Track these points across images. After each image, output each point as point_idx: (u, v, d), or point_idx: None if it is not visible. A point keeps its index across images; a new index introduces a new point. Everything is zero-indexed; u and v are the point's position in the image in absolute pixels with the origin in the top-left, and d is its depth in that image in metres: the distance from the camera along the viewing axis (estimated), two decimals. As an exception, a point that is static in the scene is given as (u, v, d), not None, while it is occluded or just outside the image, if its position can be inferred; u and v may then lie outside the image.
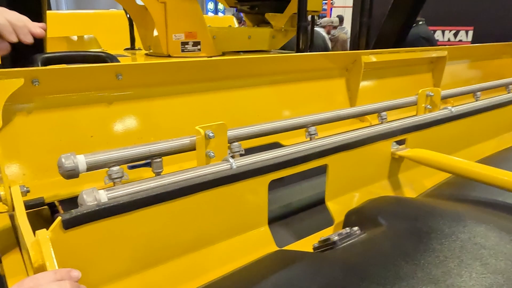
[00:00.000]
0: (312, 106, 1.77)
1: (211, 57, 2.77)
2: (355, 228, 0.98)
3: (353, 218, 1.13)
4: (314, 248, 1.00)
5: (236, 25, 5.00)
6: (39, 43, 1.47)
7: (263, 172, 1.03)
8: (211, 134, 1.09)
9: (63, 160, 0.90)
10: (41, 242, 0.70)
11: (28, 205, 0.98)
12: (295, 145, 1.19)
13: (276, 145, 1.55)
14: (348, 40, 6.96)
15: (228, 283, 0.85)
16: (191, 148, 1.11)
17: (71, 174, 0.91)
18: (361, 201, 1.24)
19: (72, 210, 0.75)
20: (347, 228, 0.97)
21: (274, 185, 1.09)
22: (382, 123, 1.63)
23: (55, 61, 1.25)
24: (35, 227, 0.84)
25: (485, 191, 1.18)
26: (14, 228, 1.09)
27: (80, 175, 0.90)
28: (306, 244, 1.07)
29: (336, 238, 0.94)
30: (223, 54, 2.78)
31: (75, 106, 1.13)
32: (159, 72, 1.23)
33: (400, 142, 1.43)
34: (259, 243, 1.06)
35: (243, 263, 0.99)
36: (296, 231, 1.23)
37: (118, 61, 1.29)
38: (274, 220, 1.29)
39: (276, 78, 1.65)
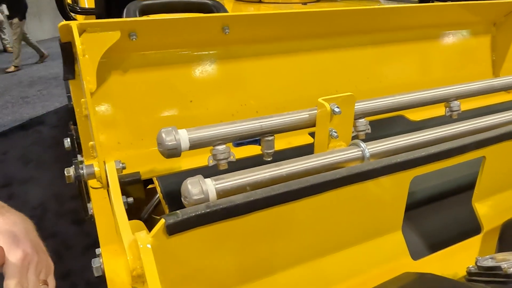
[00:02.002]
0: (443, 71, 1.43)
1: (306, 3, 2.44)
2: (536, 256, 0.71)
3: (518, 232, 0.85)
4: (470, 274, 0.76)
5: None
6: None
7: (405, 167, 0.78)
8: (337, 109, 0.86)
9: (163, 135, 0.74)
10: (141, 251, 0.55)
11: (123, 182, 0.86)
12: (441, 129, 0.91)
13: (401, 119, 1.28)
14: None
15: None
16: (310, 124, 0.89)
17: (173, 153, 0.75)
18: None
19: (178, 212, 0.59)
20: (526, 257, 0.70)
21: None
22: (542, 98, 1.26)
23: (154, 10, 1.07)
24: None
25: None
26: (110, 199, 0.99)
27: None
28: (451, 260, 0.84)
29: (511, 270, 0.68)
30: (318, -1, 2.45)
31: (174, 65, 0.96)
32: (275, 25, 1.00)
33: None
34: (391, 252, 0.84)
35: (371, 276, 0.80)
36: (430, 234, 0.99)
37: (226, 11, 1.08)
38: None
39: (398, 35, 1.32)
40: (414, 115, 1.26)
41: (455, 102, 1.08)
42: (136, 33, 0.84)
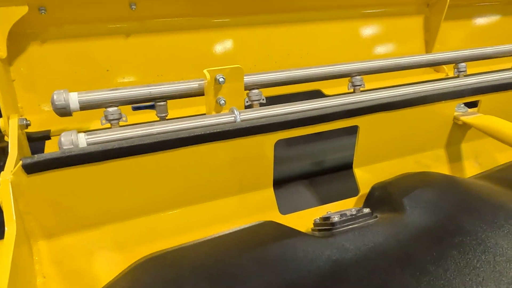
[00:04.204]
0: (375, 50, 1.50)
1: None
2: (366, 210, 0.82)
3: (376, 193, 0.95)
4: (314, 224, 0.87)
5: None
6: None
7: (269, 130, 0.88)
8: (221, 79, 0.96)
9: (54, 97, 0.86)
10: (1, 182, 0.68)
11: (33, 137, 1.00)
12: (317, 100, 1.00)
13: (316, 94, 1.37)
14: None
15: (204, 247, 0.78)
16: (200, 93, 1.00)
17: (63, 112, 0.88)
18: (401, 172, 1.03)
19: (35, 155, 0.71)
20: (353, 209, 0.81)
21: (297, 140, 0.95)
22: (458, 76, 1.32)
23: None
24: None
25: None
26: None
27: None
28: (312, 215, 0.94)
29: (336, 219, 0.79)
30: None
31: (89, 37, 1.07)
32: (181, 2, 1.09)
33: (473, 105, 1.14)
34: (261, 205, 0.95)
35: (241, 223, 0.91)
36: (311, 197, 1.10)
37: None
38: (291, 180, 1.17)
39: (330, 13, 1.39)
40: (330, 90, 1.35)
41: (357, 77, 1.16)
42: (45, 7, 0.96)
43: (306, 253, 0.70)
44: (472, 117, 1.09)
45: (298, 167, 1.19)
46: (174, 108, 1.08)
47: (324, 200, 1.07)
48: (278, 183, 1.03)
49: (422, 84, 1.10)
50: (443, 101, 1.04)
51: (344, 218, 0.79)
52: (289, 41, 1.35)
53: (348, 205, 1.02)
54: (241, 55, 1.28)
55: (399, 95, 1.01)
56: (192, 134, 0.81)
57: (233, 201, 0.94)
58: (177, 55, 1.19)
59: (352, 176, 1.06)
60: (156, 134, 0.86)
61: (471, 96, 1.07)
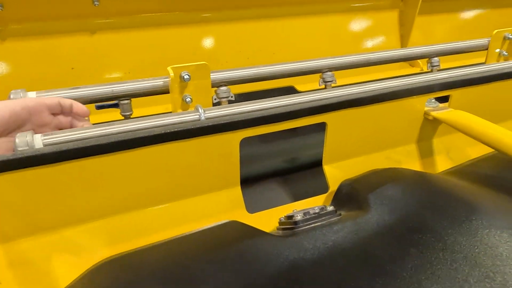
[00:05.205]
0: (349, 46, 1.49)
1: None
2: (330, 208, 0.81)
3: (344, 190, 0.94)
4: (279, 223, 0.86)
5: None
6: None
7: (234, 128, 0.87)
8: (186, 76, 0.95)
9: (11, 96, 0.84)
10: None
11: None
12: (285, 97, 0.98)
13: (289, 90, 1.36)
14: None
15: (163, 249, 0.76)
16: (165, 91, 0.98)
17: (21, 111, 0.85)
18: (372, 168, 1.03)
19: (-15, 158, 0.69)
20: (316, 207, 0.80)
21: (266, 137, 0.93)
22: (431, 71, 1.32)
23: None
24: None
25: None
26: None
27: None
28: (279, 214, 0.93)
29: (299, 217, 0.78)
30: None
31: (52, 35, 1.05)
32: (143, -2, 1.07)
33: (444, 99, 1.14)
34: (227, 205, 0.94)
35: (201, 226, 0.90)
36: (280, 195, 1.09)
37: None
38: (261, 178, 1.16)
39: (303, 8, 1.38)
40: (303, 86, 1.33)
41: (328, 73, 1.15)
42: (2, 4, 0.93)
43: (265, 253, 0.69)
44: (442, 112, 1.09)
45: (267, 165, 1.18)
46: (142, 106, 1.06)
47: (294, 197, 1.06)
48: (247, 181, 1.01)
49: (391, 79, 1.09)
50: (412, 96, 1.03)
51: (307, 216, 0.78)
52: (261, 36, 1.33)
53: (317, 202, 1.01)
54: (212, 51, 1.26)
55: (368, 91, 1.00)
56: (152, 134, 0.79)
57: (198, 201, 0.92)
58: (146, 51, 1.17)
59: (322, 173, 1.05)
60: (115, 134, 0.84)
61: (441, 91, 1.07)
